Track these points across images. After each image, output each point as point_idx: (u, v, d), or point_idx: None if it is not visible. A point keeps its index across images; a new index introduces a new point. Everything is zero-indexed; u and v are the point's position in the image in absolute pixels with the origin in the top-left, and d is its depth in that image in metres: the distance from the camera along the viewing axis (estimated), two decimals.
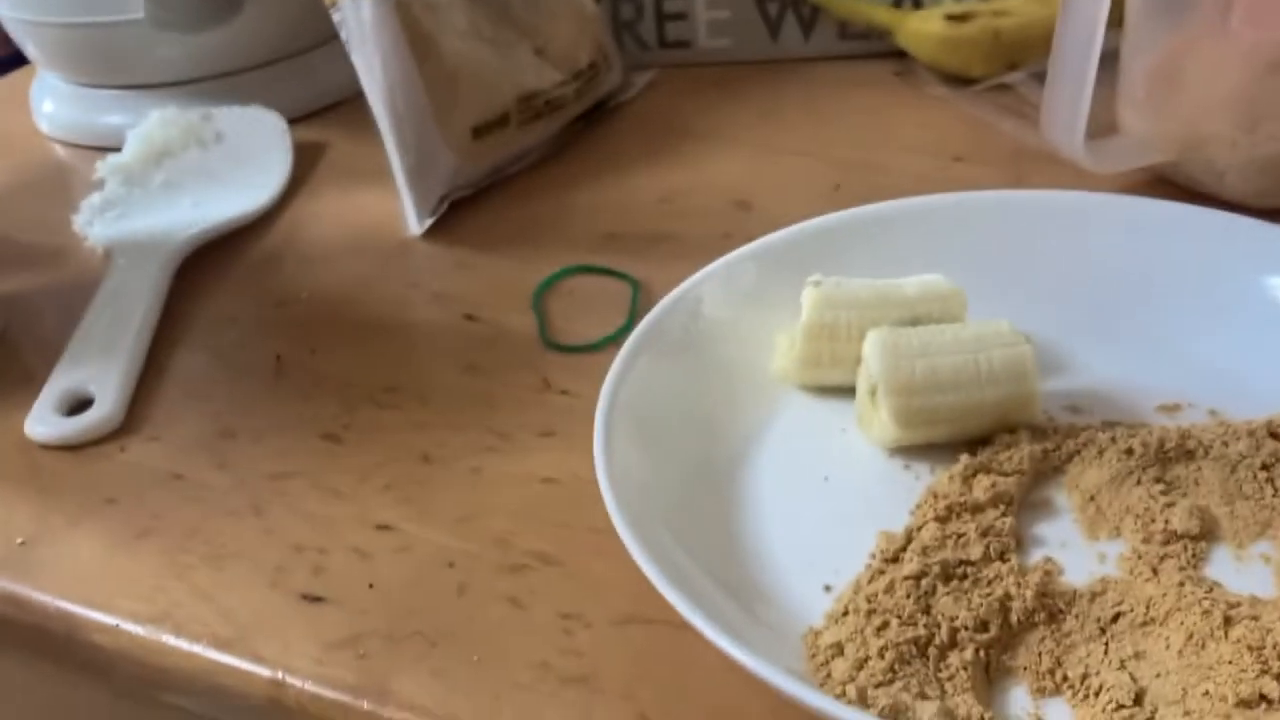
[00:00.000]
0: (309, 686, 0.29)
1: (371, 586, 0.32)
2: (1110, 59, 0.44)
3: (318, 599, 0.31)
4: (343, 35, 0.47)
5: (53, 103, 0.60)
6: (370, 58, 0.46)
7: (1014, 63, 0.52)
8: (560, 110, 0.52)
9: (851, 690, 0.25)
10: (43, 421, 0.38)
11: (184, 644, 0.31)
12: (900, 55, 0.56)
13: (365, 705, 0.29)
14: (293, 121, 0.55)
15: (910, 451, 0.33)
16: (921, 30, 0.54)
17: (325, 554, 0.33)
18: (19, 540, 0.34)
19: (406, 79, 0.46)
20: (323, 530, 0.34)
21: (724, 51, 0.59)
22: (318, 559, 0.33)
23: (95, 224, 0.49)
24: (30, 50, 0.59)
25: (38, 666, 0.35)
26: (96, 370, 0.40)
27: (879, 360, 0.32)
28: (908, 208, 0.39)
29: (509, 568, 0.32)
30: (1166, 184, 0.45)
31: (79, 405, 0.39)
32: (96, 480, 0.37)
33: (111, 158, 0.53)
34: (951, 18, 0.53)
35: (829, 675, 0.26)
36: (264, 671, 0.30)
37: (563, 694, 0.28)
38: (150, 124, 0.53)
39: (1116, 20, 0.43)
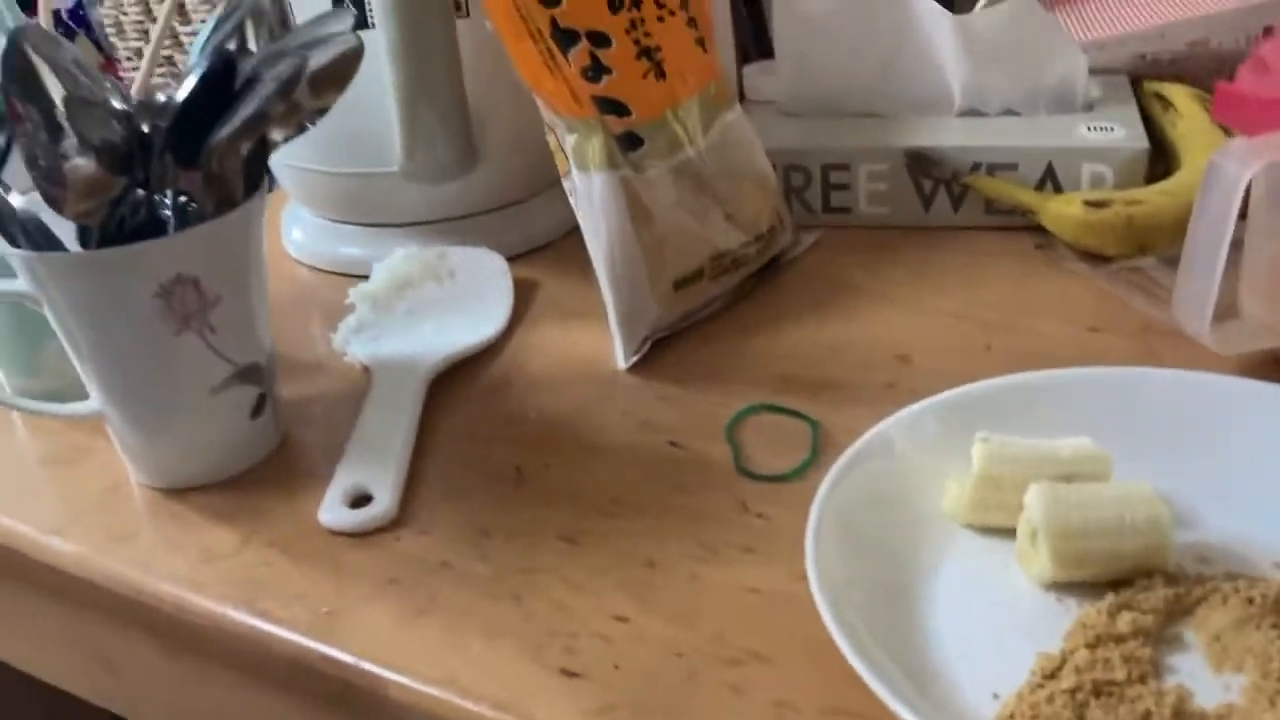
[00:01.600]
0: None
1: (617, 667, 0.39)
2: (1234, 246, 0.52)
3: (574, 674, 0.39)
4: (571, 199, 0.56)
5: (301, 232, 0.71)
6: (596, 222, 0.55)
7: (1144, 246, 0.59)
8: (744, 266, 0.61)
9: None
10: (333, 512, 0.47)
11: (469, 704, 0.38)
12: (1038, 229, 0.64)
13: None
14: (510, 259, 0.65)
15: (1062, 587, 0.40)
16: (1062, 213, 0.61)
17: (575, 637, 0.41)
18: (324, 609, 0.43)
19: (626, 241, 0.55)
20: (571, 617, 0.41)
21: (881, 217, 0.67)
22: (569, 641, 0.40)
23: (352, 343, 0.59)
24: (290, 189, 0.69)
25: (336, 715, 0.43)
26: (374, 471, 0.49)
27: (1041, 509, 0.39)
28: (1059, 378, 0.46)
29: (728, 660, 0.39)
30: None
31: (360, 500, 0.48)
32: (380, 564, 0.45)
33: (361, 286, 0.62)
34: (1089, 203, 0.60)
35: None
36: None
37: None
38: (395, 259, 0.63)
39: (1241, 211, 0.50)
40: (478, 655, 0.40)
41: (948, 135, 0.66)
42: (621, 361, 0.56)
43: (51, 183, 0.41)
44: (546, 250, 0.68)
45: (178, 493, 0.50)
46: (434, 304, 0.61)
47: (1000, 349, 0.55)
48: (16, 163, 0.44)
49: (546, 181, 0.66)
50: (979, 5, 0.74)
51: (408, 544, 0.46)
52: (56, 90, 0.41)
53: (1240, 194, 0.46)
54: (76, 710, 0.65)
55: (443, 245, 0.65)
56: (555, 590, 0.43)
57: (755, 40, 0.84)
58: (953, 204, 0.66)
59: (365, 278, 0.63)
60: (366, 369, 0.56)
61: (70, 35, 1.16)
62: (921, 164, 0.65)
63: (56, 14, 1.15)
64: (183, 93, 0.42)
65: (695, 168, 0.59)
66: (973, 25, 0.68)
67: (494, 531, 0.46)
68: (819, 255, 0.66)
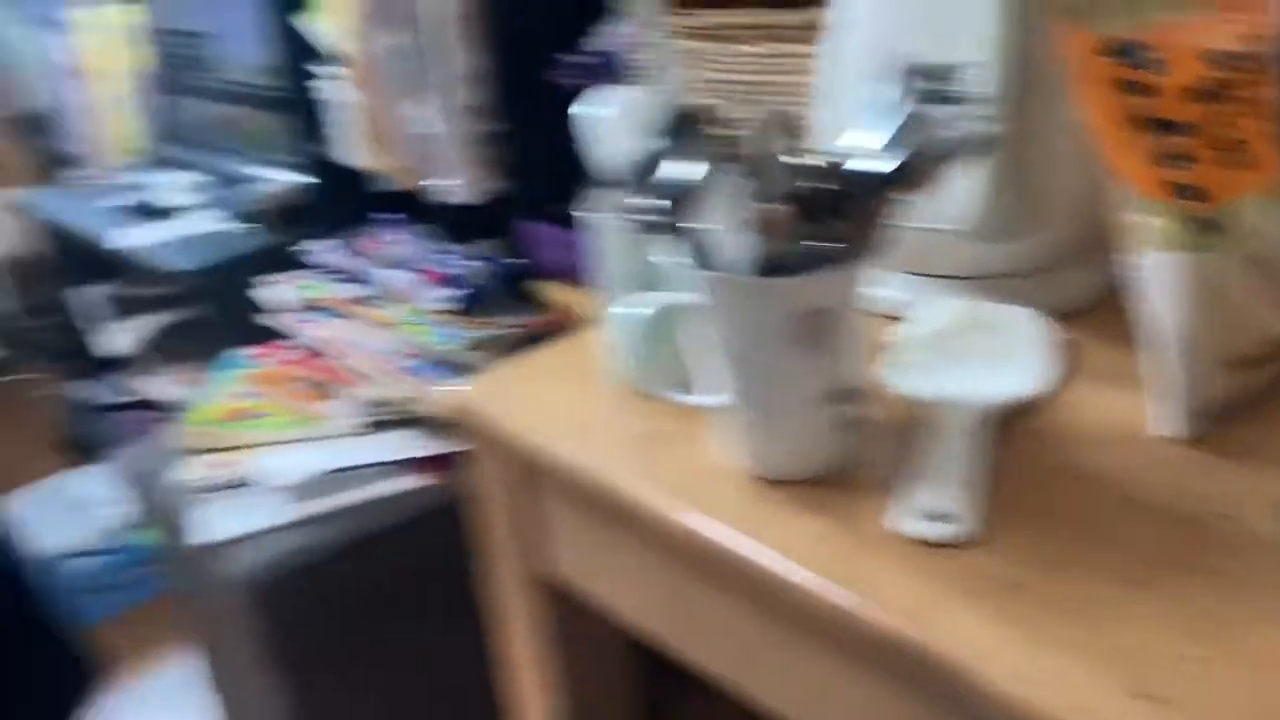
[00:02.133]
0: None
1: (1194, 697, 0.44)
2: None
3: (1153, 698, 0.44)
4: (1133, 274, 0.61)
5: None
6: (1161, 299, 0.60)
7: None
8: None
9: None
10: (913, 522, 0.55)
11: (1047, 703, 0.45)
12: None
13: None
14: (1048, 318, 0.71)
15: None
16: None
17: (1154, 668, 0.46)
18: (907, 604, 0.51)
19: (1189, 321, 0.59)
20: (1146, 650, 0.47)
21: None
22: (1143, 671, 0.46)
23: (905, 379, 0.66)
24: None
25: (899, 689, 0.51)
26: (950, 493, 0.56)
27: None
28: None
29: None
30: None
31: (938, 516, 0.55)
32: (957, 575, 0.52)
33: (905, 327, 0.70)
34: None
35: None
36: None
37: None
38: (941, 307, 0.71)
39: None
40: (1053, 665, 0.46)
41: None
42: (1165, 430, 0.61)
43: (754, 220, 0.52)
44: (1084, 315, 0.73)
45: (772, 482, 0.60)
46: (979, 353, 0.68)
47: None
48: (709, 200, 0.55)
49: (1092, 249, 0.71)
50: None
51: (979, 563, 0.53)
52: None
53: None
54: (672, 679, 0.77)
55: (985, 299, 0.71)
56: (1123, 624, 0.48)
57: None
58: None
59: (898, 319, 0.71)
60: (913, 402, 0.64)
61: (605, 74, 1.33)
62: None
63: (593, 55, 1.33)
64: (863, 164, 0.51)
65: (1267, 255, 0.62)
66: None
67: (1061, 565, 0.52)
68: None
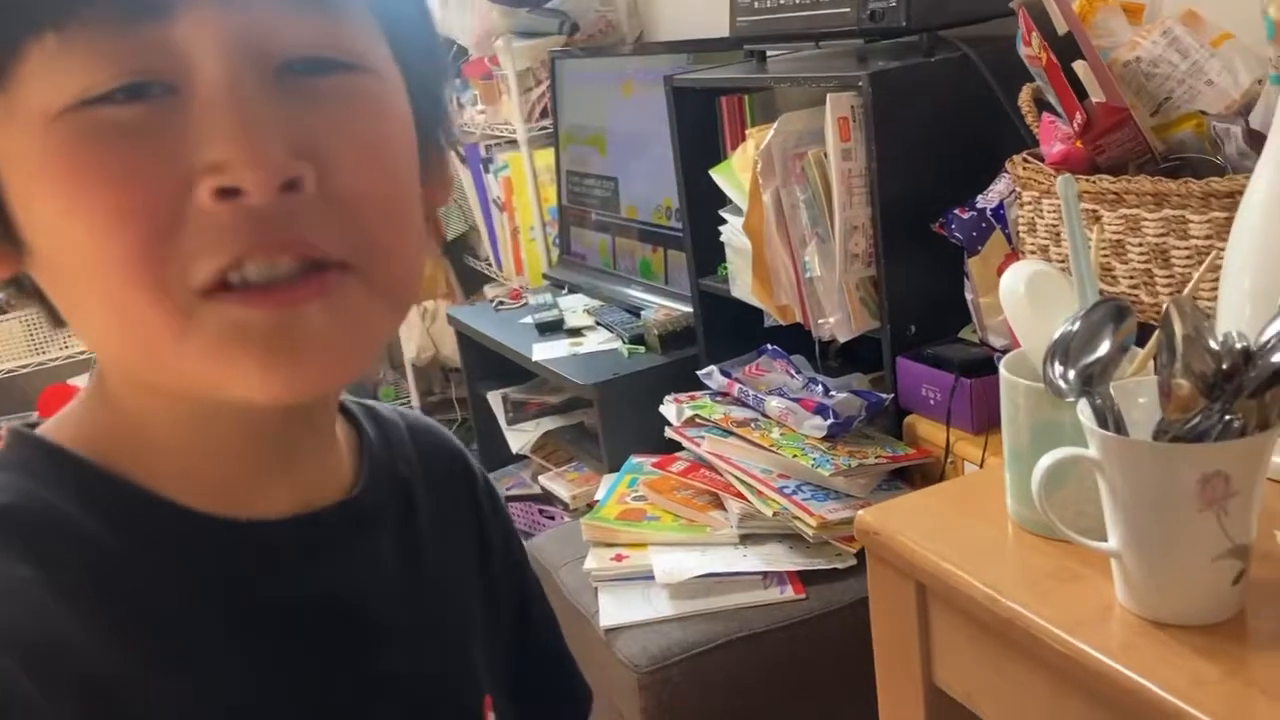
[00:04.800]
0: None
1: None
2: None
3: None
4: None
5: None
6: None
7: None
8: None
9: None
10: None
11: None
12: None
13: None
14: None
15: None
16: None
17: None
18: None
19: None
20: None
21: None
22: None
23: None
24: None
25: None
26: None
27: None
28: None
29: None
30: None
31: None
32: None
33: None
34: None
35: None
36: None
37: None
38: None
39: None
40: None
41: None
42: None
43: (1163, 393, 0.61)
44: None
45: (1161, 625, 0.67)
46: None
47: None
48: (1118, 370, 0.64)
49: None
50: None
51: None
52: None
53: None
54: None
55: None
56: None
57: None
58: None
59: None
60: None
61: (989, 228, 1.43)
62: None
63: (980, 211, 1.43)
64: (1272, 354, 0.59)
65: None
66: None
67: None
68: None
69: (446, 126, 0.53)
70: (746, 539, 1.47)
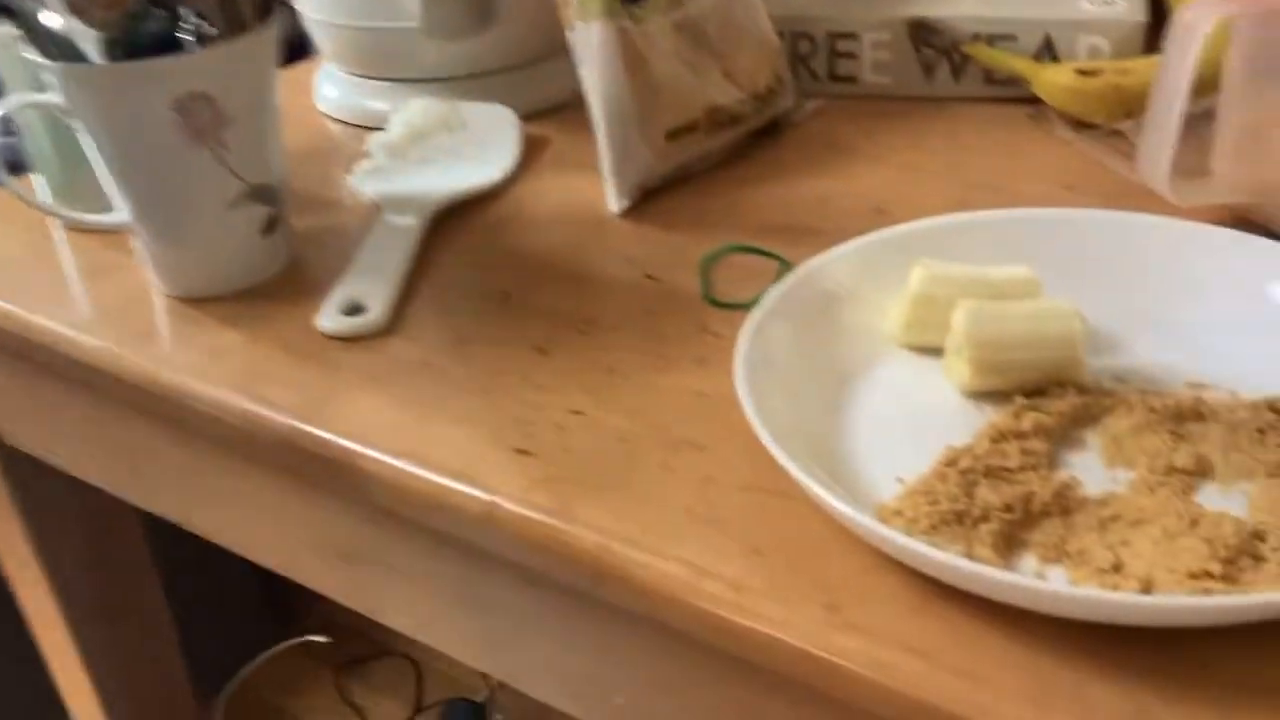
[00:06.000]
0: (516, 508, 0.41)
1: (567, 449, 0.43)
2: (1210, 114, 0.53)
3: (527, 453, 0.43)
4: (573, 50, 0.59)
5: (331, 88, 0.75)
6: (593, 69, 0.58)
7: (1131, 114, 0.61)
8: (740, 123, 0.63)
9: (901, 529, 0.35)
10: (329, 319, 0.51)
11: (429, 474, 0.43)
12: (1035, 101, 0.66)
13: (557, 524, 0.40)
14: (524, 118, 0.68)
15: (982, 396, 0.43)
16: (1054, 81, 0.63)
17: (533, 425, 0.45)
18: (313, 398, 0.47)
19: (620, 88, 0.58)
20: (532, 409, 0.45)
21: (884, 87, 0.69)
22: (527, 428, 0.44)
23: (366, 183, 0.63)
24: (321, 43, 0.73)
25: (313, 490, 0.48)
26: (370, 286, 0.53)
27: (964, 321, 0.42)
28: (1001, 215, 0.49)
29: (666, 445, 0.43)
30: (1248, 222, 0.53)
31: (355, 310, 0.52)
32: (367, 364, 0.49)
33: (378, 135, 0.66)
34: (1081, 72, 0.62)
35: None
36: (484, 495, 0.41)
37: (698, 528, 0.39)
38: (411, 111, 0.67)
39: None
40: (443, 436, 0.44)
41: (949, 6, 0.68)
42: (613, 205, 0.60)
43: None
44: (560, 112, 0.71)
45: (194, 301, 0.55)
46: (445, 151, 0.65)
47: (973, 202, 0.57)
48: None
49: (560, 45, 0.69)
50: None
51: (395, 349, 0.50)
52: None
53: (1197, 44, 0.47)
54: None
55: (459, 100, 0.68)
56: (521, 389, 0.47)
57: None
58: (954, 74, 0.68)
59: (381, 129, 0.67)
60: (378, 206, 0.60)
61: None
62: (922, 33, 0.67)
63: None
64: None
65: (696, 24, 0.61)
66: None
67: (474, 340, 0.50)
68: (821, 121, 0.69)
69: None
70: None
